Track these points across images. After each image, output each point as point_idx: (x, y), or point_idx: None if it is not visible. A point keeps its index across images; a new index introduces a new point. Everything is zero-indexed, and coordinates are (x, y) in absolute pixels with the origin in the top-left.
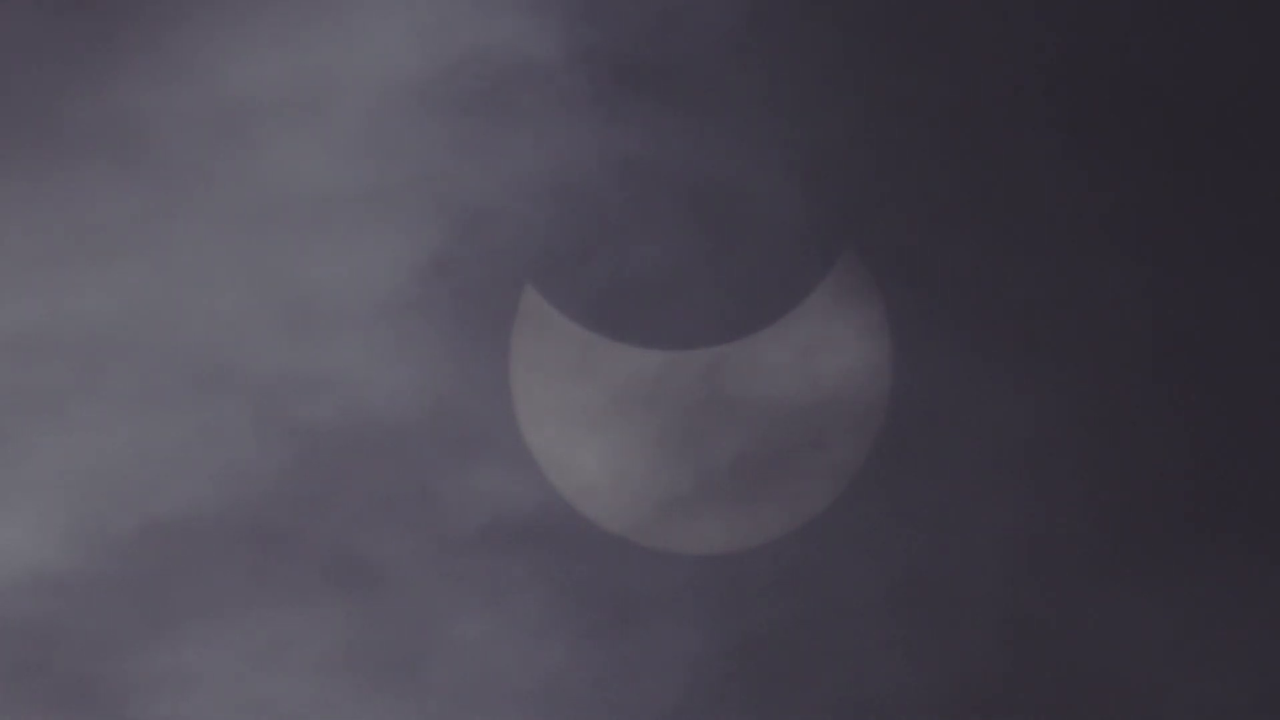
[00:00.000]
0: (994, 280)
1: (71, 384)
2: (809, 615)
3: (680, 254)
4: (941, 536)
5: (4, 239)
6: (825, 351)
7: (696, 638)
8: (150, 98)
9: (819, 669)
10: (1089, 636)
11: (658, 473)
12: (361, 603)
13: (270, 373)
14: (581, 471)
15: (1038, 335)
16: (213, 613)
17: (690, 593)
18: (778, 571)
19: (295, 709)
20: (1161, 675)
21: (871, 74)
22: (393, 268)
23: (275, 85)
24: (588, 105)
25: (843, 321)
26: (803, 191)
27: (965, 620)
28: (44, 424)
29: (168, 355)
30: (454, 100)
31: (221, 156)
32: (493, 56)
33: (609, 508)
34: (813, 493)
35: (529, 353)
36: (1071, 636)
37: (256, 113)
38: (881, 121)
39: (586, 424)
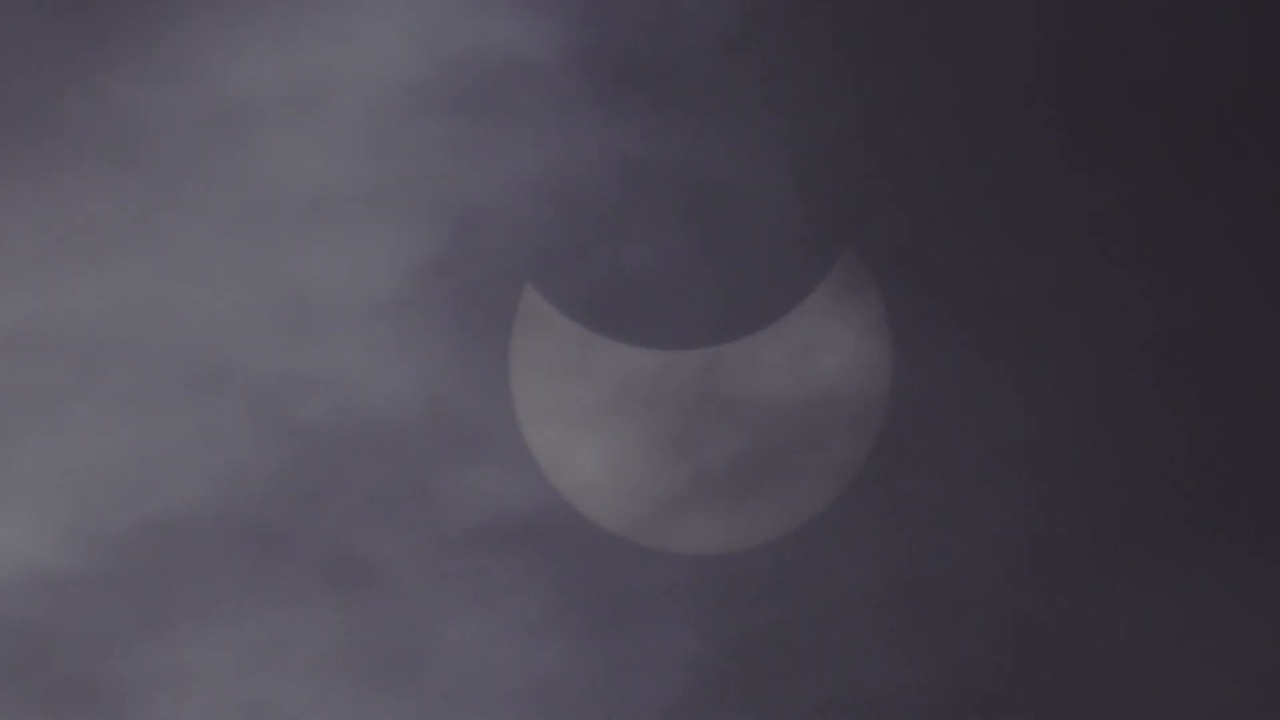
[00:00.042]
0: (992, 279)
1: (68, 383)
2: (807, 615)
3: (678, 253)
4: (940, 536)
5: (1, 238)
6: (823, 351)
7: (694, 637)
8: (147, 97)
9: (817, 669)
10: (1087, 636)
11: (655, 472)
12: (359, 602)
13: (267, 372)
14: (579, 471)
15: (1036, 335)
16: (210, 612)
17: (687, 592)
18: (775, 571)
19: (293, 708)
20: (1160, 675)
21: (869, 73)
22: (390, 267)
23: (273, 85)
24: (585, 105)
25: (840, 321)
26: (800, 191)
27: (963, 620)
28: (41, 423)
29: (164, 354)
30: (451, 100)
31: (219, 156)
32: (490, 56)
33: (606, 507)
34: (811, 492)
35: (527, 352)
36: (1070, 636)
37: (254, 112)
38: (879, 121)
39: (584, 423)
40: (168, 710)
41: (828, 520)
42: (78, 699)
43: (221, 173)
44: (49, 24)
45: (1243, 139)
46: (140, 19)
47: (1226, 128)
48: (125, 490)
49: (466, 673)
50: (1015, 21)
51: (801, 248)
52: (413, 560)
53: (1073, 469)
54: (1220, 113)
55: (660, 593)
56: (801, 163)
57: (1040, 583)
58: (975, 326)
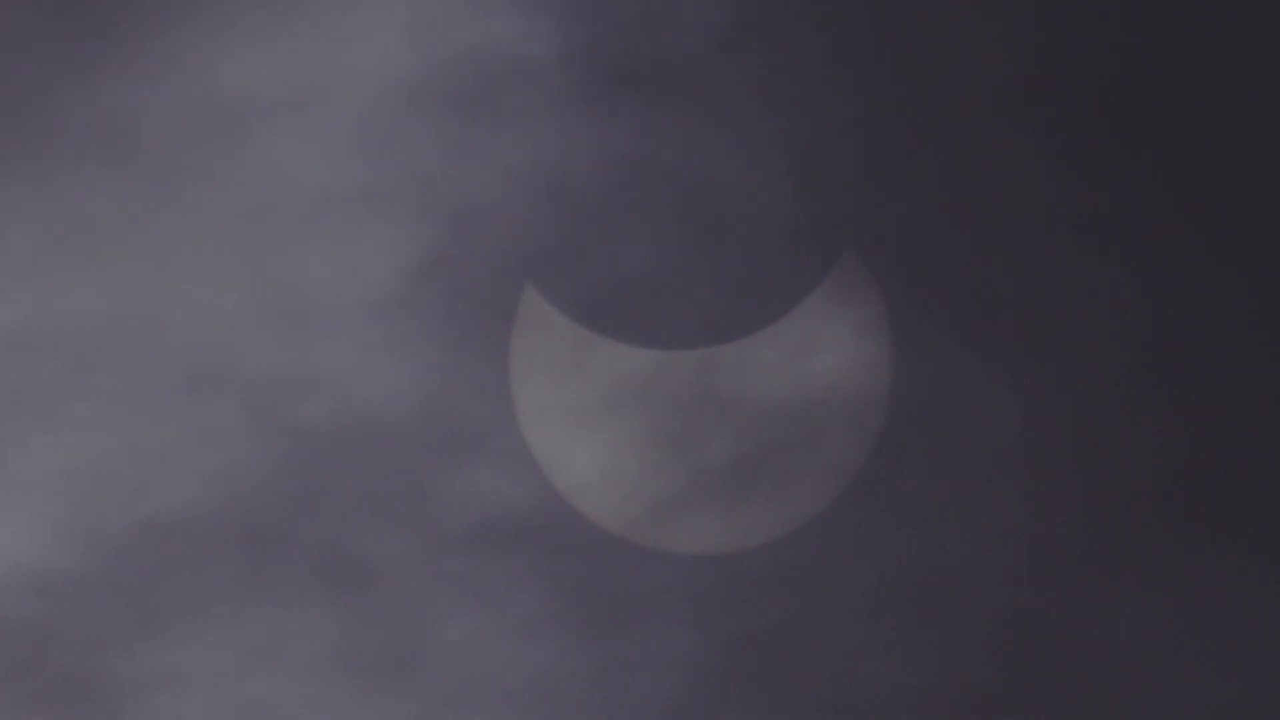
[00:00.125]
0: (989, 279)
1: (64, 383)
2: (803, 614)
3: (675, 253)
4: (938, 536)
5: None
6: (819, 351)
7: (691, 637)
8: (143, 96)
9: (813, 668)
10: (1086, 636)
11: (652, 472)
12: (355, 602)
13: (263, 372)
14: (576, 470)
15: (1034, 334)
16: (207, 612)
17: (684, 592)
18: (772, 570)
19: (289, 708)
20: (1157, 674)
21: (865, 72)
22: (386, 267)
23: (269, 84)
24: (582, 105)
25: (837, 320)
26: (796, 190)
27: (960, 620)
28: (36, 423)
29: (161, 354)
30: (447, 99)
31: (215, 155)
32: (487, 56)
33: (603, 507)
34: (808, 492)
35: (522, 351)
36: (1068, 636)
37: (249, 111)
38: (876, 120)
39: (580, 423)
40: (164, 710)
41: (825, 520)
42: (74, 699)
43: (218, 172)
44: (46, 23)
45: (1242, 138)
46: (137, 18)
47: (1225, 127)
48: (122, 490)
49: (463, 672)
50: (1014, 21)
51: (798, 247)
52: (409, 560)
53: (1071, 469)
54: (1219, 112)
55: (657, 593)
56: (798, 162)
57: (1038, 582)
58: (973, 326)
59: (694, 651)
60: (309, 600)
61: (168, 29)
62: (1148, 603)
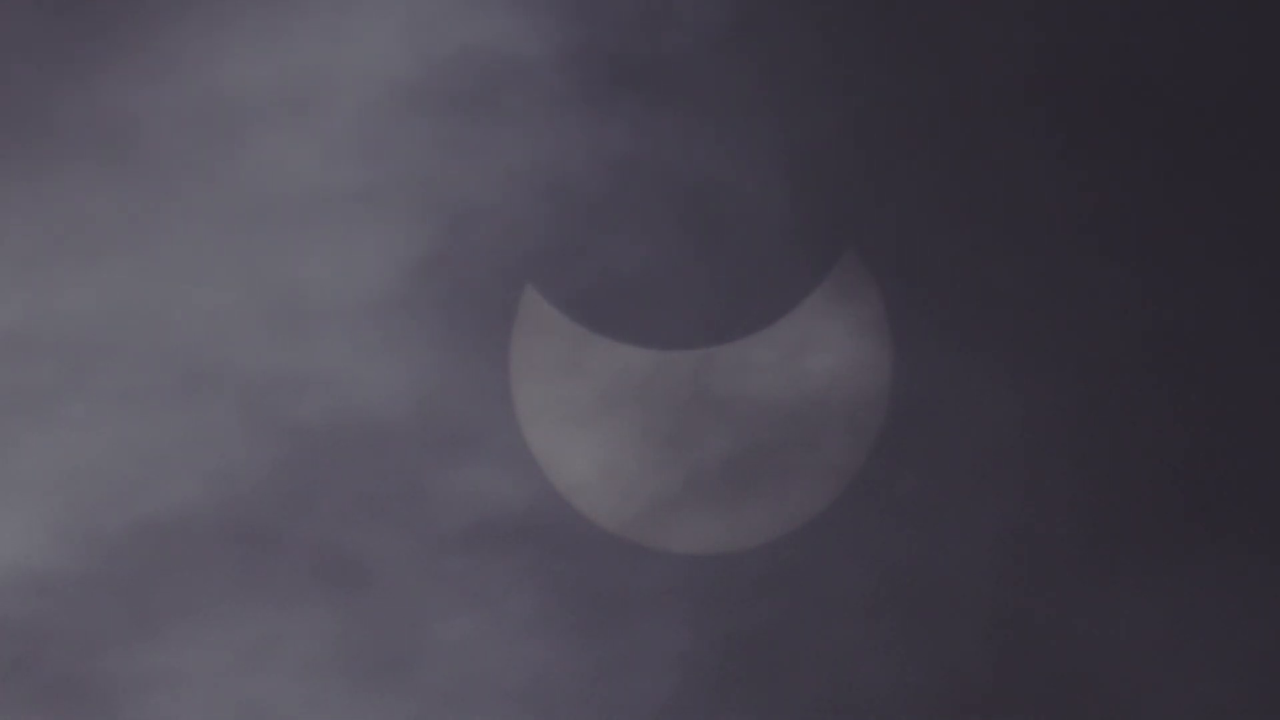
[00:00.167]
0: (987, 278)
1: (59, 383)
2: (801, 614)
3: (672, 252)
4: (936, 535)
5: None
6: (818, 350)
7: (686, 636)
8: (140, 96)
9: (810, 668)
10: (1082, 635)
11: (649, 471)
12: (351, 601)
13: (259, 371)
14: (572, 470)
15: (1032, 334)
16: (202, 612)
17: (681, 592)
18: (768, 570)
19: (285, 708)
20: (1154, 674)
21: (863, 72)
22: (383, 266)
23: (266, 84)
24: (579, 104)
25: (834, 320)
26: (794, 190)
27: (957, 619)
28: (31, 423)
29: (156, 354)
30: (444, 99)
31: (212, 155)
32: (484, 55)
33: (600, 506)
34: (806, 492)
35: (520, 351)
36: (1064, 635)
37: (246, 111)
38: (873, 119)
39: (577, 423)
40: (161, 710)
41: (823, 520)
42: (71, 698)
43: (216, 172)
44: (43, 23)
45: (1240, 138)
46: (133, 18)
47: (1224, 127)
48: (119, 490)
49: (459, 672)
50: (1013, 20)
51: (795, 247)
52: (406, 560)
53: (1070, 469)
54: (1217, 112)
55: (655, 592)
56: (796, 162)
57: (1036, 582)
58: (972, 326)
59: (691, 651)
60: (306, 600)
61: (166, 29)
62: (1146, 602)
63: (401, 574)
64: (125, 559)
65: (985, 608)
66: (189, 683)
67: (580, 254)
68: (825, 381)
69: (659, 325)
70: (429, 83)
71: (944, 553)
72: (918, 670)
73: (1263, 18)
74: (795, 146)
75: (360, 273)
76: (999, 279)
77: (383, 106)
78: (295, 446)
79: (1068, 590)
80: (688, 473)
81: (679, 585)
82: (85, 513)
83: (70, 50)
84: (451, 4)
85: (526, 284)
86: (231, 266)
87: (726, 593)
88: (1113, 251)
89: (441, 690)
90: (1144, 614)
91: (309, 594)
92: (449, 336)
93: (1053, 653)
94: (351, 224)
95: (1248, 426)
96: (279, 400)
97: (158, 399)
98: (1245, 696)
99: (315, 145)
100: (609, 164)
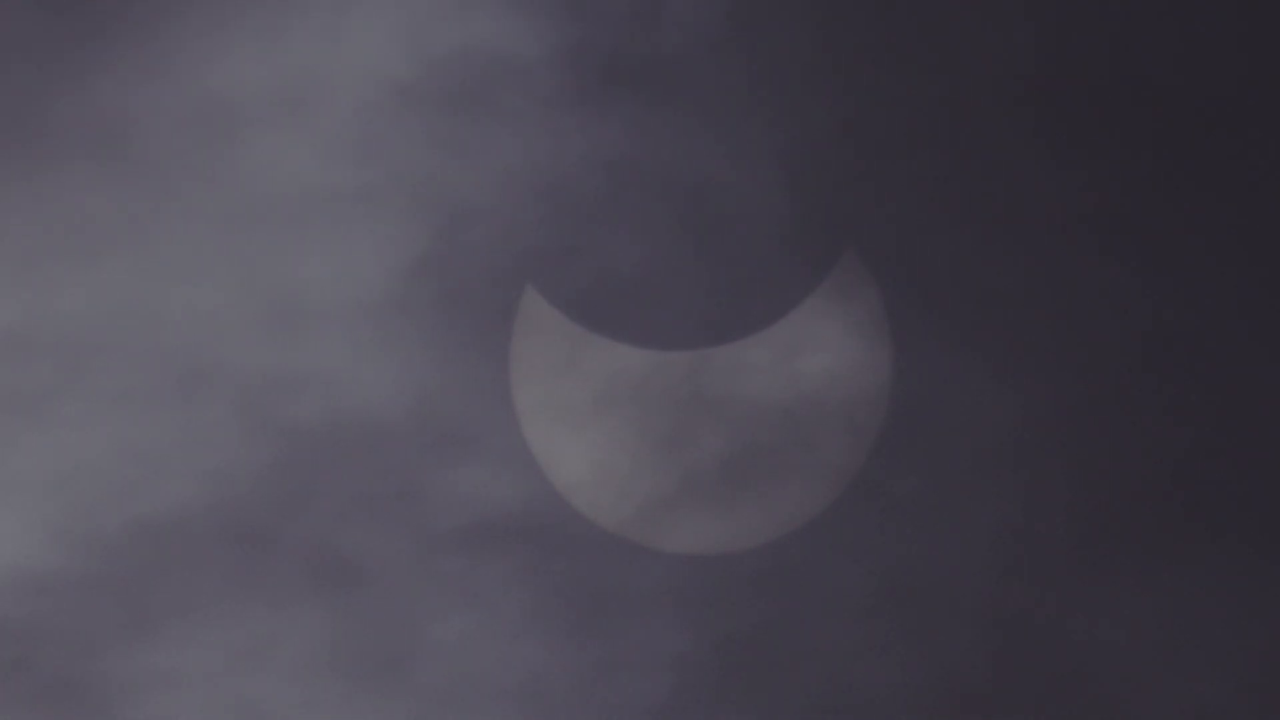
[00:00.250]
0: (984, 279)
1: (55, 383)
2: (795, 614)
3: (667, 252)
4: (933, 535)
5: None
6: (815, 351)
7: (681, 636)
8: (136, 96)
9: (804, 668)
10: (1079, 635)
11: (645, 471)
12: (346, 601)
13: (254, 372)
14: (568, 469)
15: (1031, 334)
16: (198, 611)
17: (676, 591)
18: (763, 570)
19: (280, 708)
20: (1151, 674)
21: (858, 71)
22: (378, 266)
23: (261, 84)
24: (573, 104)
25: (831, 321)
26: (791, 190)
27: (953, 619)
28: (27, 423)
29: (151, 354)
30: (439, 99)
31: (208, 155)
32: (478, 55)
33: (595, 506)
34: (802, 492)
35: (514, 351)
36: (1062, 635)
37: (241, 111)
38: (868, 118)
39: (573, 422)
40: (157, 710)
41: (820, 520)
42: (67, 698)
43: (212, 172)
44: (41, 23)
45: (1238, 138)
46: (130, 19)
47: (1222, 127)
48: (115, 490)
49: (454, 671)
50: (1012, 20)
51: (793, 247)
52: (402, 559)
53: (1068, 469)
54: (1215, 111)
55: (650, 592)
56: (793, 162)
57: (1034, 582)
58: (968, 326)
59: (687, 651)
60: (301, 600)
61: (163, 29)
62: (1144, 602)
63: (397, 574)
64: (122, 559)
65: (983, 608)
66: (185, 682)
67: (576, 254)
68: (823, 382)
69: (656, 325)
70: (425, 83)
71: (942, 553)
72: (915, 670)
73: (1262, 18)
74: (792, 146)
75: (356, 272)
76: (997, 279)
77: (379, 106)
78: (291, 446)
79: (1065, 590)
80: (685, 473)
81: (675, 585)
82: (82, 513)
83: (68, 50)
84: (447, 4)
85: (523, 284)
86: (228, 266)
87: (723, 593)
88: (1110, 251)
89: (438, 690)
90: (1141, 614)
91: (305, 594)
92: (445, 336)
93: (1050, 652)
94: (348, 224)
95: (1245, 426)
96: (275, 400)
97: (154, 399)
98: (1243, 696)
99: (312, 145)
100: (605, 164)
